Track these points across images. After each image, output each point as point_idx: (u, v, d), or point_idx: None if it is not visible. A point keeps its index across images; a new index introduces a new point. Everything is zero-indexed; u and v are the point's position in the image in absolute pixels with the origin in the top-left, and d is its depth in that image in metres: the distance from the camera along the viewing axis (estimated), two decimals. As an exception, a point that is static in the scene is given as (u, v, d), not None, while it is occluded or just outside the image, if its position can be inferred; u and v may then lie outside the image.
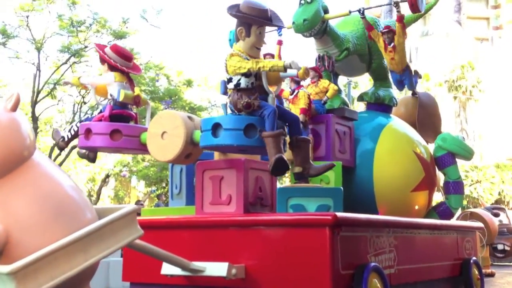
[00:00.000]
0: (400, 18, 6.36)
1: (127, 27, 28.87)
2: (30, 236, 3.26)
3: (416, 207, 6.60)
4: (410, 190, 6.44)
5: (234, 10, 4.49)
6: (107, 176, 28.98)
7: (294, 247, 4.35)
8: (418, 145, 6.74)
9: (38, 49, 26.80)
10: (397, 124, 6.87)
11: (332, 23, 6.85)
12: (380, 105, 7.05)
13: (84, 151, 5.43)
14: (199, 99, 27.55)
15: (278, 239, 4.50)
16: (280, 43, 6.72)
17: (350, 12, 6.34)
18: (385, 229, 5.01)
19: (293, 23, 6.27)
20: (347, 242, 4.41)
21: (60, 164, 27.00)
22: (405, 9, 6.41)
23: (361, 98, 7.18)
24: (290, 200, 4.79)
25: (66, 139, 5.45)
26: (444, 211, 6.88)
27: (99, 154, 5.28)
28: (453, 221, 6.90)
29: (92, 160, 5.42)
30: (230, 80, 4.52)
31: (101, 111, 5.26)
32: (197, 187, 5.08)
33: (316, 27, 6.24)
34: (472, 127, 45.60)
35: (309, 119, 6.04)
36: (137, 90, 5.23)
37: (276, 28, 6.69)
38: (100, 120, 5.11)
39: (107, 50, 5.24)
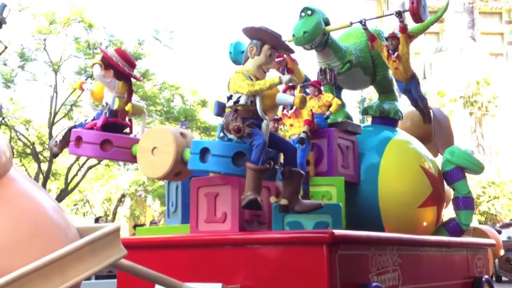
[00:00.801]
0: (403, 29, 6.11)
1: (142, 49, 29.06)
2: (3, 257, 3.06)
3: (424, 224, 6.28)
4: (417, 206, 6.14)
5: (251, 27, 4.45)
6: (123, 195, 28.94)
7: (290, 266, 4.11)
8: (425, 159, 6.45)
9: (55, 71, 27.03)
10: (403, 137, 6.59)
11: (335, 36, 6.64)
12: (385, 119, 6.78)
13: (53, 141, 5.23)
14: (213, 118, 27.52)
15: (274, 258, 4.26)
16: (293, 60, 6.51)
17: (351, 23, 6.12)
18: (389, 247, 4.73)
19: (293, 35, 6.07)
20: (346, 261, 4.14)
21: (77, 184, 27.08)
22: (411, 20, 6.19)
23: (365, 111, 6.93)
24: (287, 217, 4.57)
25: (57, 143, 5.24)
26: (453, 227, 6.56)
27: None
28: (463, 238, 6.55)
29: (54, 155, 5.26)
30: (230, 97, 4.38)
31: (94, 118, 5.07)
32: (191, 205, 4.88)
33: (317, 39, 6.02)
34: (489, 142, 44.89)
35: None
36: (128, 106, 5.03)
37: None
38: (92, 128, 4.92)
39: (113, 53, 5.01)
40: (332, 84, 6.34)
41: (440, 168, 6.69)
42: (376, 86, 6.91)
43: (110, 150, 4.84)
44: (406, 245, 4.99)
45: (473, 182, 37.49)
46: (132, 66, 5.06)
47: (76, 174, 26.08)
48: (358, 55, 6.46)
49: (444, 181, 6.70)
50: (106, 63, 4.91)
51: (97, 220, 17.78)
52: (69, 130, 5.09)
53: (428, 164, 6.43)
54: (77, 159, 22.53)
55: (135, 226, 13.86)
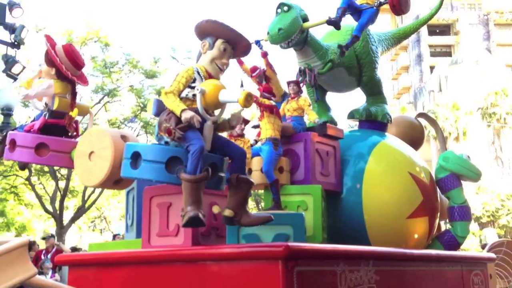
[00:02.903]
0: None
1: (158, 67, 28.80)
2: None
3: (416, 236, 5.59)
4: (406, 217, 5.47)
5: (202, 22, 3.99)
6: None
7: (243, 285, 3.48)
8: (415, 166, 5.77)
9: (73, 90, 26.63)
10: (390, 142, 5.94)
11: (319, 35, 6.04)
12: (372, 123, 6.14)
13: None
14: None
15: (226, 275, 3.64)
16: (264, 55, 5.91)
17: (329, 18, 5.48)
18: (363, 262, 4.05)
19: (268, 33, 5.47)
20: (306, 279, 3.49)
21: (94, 202, 26.73)
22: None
23: (351, 115, 6.27)
24: (242, 230, 3.93)
25: None
26: (449, 240, 5.85)
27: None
28: (457, 252, 5.83)
29: (21, 167, 4.70)
30: None
31: (34, 119, 4.53)
32: (143, 217, 4.31)
33: (294, 36, 5.42)
34: (508, 155, 43.44)
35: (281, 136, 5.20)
36: (75, 112, 4.48)
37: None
38: (30, 131, 4.37)
39: (59, 49, 4.44)
40: (312, 85, 5.72)
41: (433, 176, 5.99)
42: (362, 88, 6.26)
43: (46, 154, 4.30)
44: (385, 260, 4.30)
45: (492, 196, 36.24)
46: (78, 67, 4.51)
47: (93, 191, 25.74)
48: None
49: (438, 189, 6.01)
50: (49, 59, 4.37)
51: (114, 237, 17.26)
52: (7, 133, 4.53)
53: (419, 171, 5.76)
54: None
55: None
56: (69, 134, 4.52)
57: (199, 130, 3.70)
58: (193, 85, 3.80)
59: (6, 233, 34.22)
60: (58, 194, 25.16)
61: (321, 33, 6.34)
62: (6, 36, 11.79)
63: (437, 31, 51.38)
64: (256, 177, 5.20)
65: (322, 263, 3.73)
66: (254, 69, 5.54)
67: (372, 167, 5.55)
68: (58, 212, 24.51)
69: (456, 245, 5.85)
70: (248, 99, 3.64)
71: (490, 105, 42.68)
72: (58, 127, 4.45)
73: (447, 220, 6.15)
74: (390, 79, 55.94)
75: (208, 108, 3.78)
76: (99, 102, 26.49)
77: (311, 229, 4.97)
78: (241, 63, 6.03)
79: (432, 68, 49.95)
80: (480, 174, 6.03)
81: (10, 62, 11.57)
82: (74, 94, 4.51)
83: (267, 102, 5.18)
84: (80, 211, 25.76)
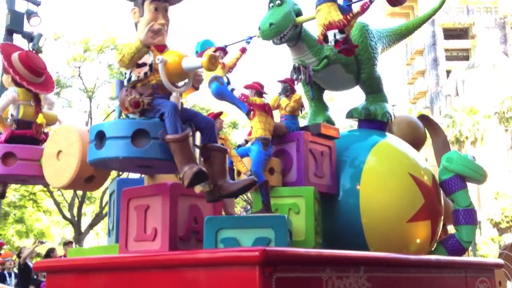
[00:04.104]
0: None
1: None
2: None
3: (418, 241, 5.23)
4: (406, 221, 5.12)
5: None
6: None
7: (218, 293, 3.17)
8: (416, 167, 5.42)
9: (90, 98, 26.92)
10: (390, 142, 5.59)
11: (315, 30, 5.74)
12: (372, 122, 5.80)
13: None
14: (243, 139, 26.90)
15: (201, 282, 3.34)
16: (243, 50, 5.64)
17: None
18: (352, 268, 3.71)
19: (259, 28, 5.19)
20: (287, 286, 3.18)
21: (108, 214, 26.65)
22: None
23: (350, 114, 5.93)
24: (221, 233, 3.63)
25: None
26: (453, 245, 5.47)
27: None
28: (460, 257, 5.44)
29: (1, 194, 4.46)
30: (125, 76, 3.59)
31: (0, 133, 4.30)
32: (121, 221, 4.02)
33: (286, 31, 5.14)
34: (527, 159, 42.51)
35: (275, 135, 4.91)
36: (40, 118, 4.24)
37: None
38: None
39: (14, 58, 4.25)
40: (307, 83, 5.41)
41: (436, 177, 5.63)
42: (361, 86, 5.93)
43: (13, 164, 4.04)
44: (378, 265, 3.96)
45: (511, 201, 35.40)
46: (37, 74, 4.29)
47: (108, 203, 25.65)
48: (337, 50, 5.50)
49: (442, 192, 5.64)
50: (4, 68, 4.21)
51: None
52: None
53: (420, 172, 5.40)
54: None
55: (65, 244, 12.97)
56: (39, 144, 4.27)
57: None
58: (140, 62, 3.50)
59: (25, 240, 34.38)
60: (76, 200, 25.16)
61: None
62: (24, 44, 11.84)
63: (454, 35, 50.62)
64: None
65: (306, 269, 3.40)
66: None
67: (371, 168, 5.22)
68: (76, 218, 24.53)
69: (461, 250, 5.47)
70: (212, 61, 3.39)
71: (507, 109, 41.80)
72: (26, 137, 4.23)
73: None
74: (405, 84, 55.24)
75: (173, 79, 3.51)
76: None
77: (303, 233, 4.67)
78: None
79: (448, 72, 49.21)
80: (485, 175, 5.64)
81: (29, 70, 11.54)
82: (37, 100, 4.31)
83: (258, 100, 4.89)
84: (98, 217, 25.70)
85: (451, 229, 6.18)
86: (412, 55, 51.98)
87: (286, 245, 3.55)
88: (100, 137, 3.38)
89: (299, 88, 5.61)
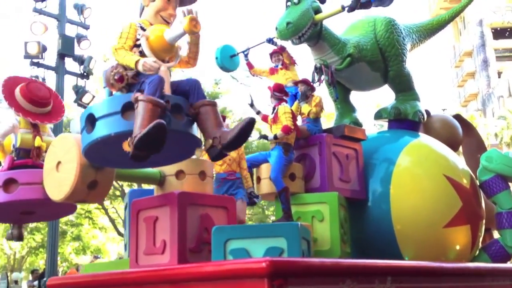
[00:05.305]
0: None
1: (219, 88, 28.90)
2: None
3: (457, 247, 4.80)
4: (442, 226, 4.71)
5: None
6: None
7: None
8: (451, 168, 5.00)
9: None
10: (422, 142, 5.19)
11: (340, 29, 5.44)
12: (402, 122, 5.41)
13: (9, 231, 4.50)
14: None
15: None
16: (282, 49, 5.38)
17: (343, 8, 4.86)
18: (377, 279, 3.36)
19: (276, 28, 4.93)
20: (302, 301, 2.86)
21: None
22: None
23: (379, 114, 5.56)
24: (230, 243, 3.35)
25: None
26: (497, 252, 5.01)
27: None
28: (504, 264, 4.96)
29: (17, 237, 4.36)
30: None
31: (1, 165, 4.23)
32: (131, 233, 3.82)
33: (305, 30, 4.86)
34: None
35: (296, 138, 4.62)
36: (37, 141, 4.11)
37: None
38: None
39: (17, 93, 4.25)
40: (330, 83, 5.08)
41: (475, 178, 5.18)
42: (390, 84, 5.55)
43: (15, 190, 3.93)
44: (408, 275, 3.58)
45: None
46: (40, 104, 4.31)
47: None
48: (361, 48, 5.18)
49: (483, 193, 5.18)
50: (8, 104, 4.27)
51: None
52: None
53: (457, 173, 4.97)
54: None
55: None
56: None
57: None
58: (138, 43, 3.34)
59: (82, 256, 35.05)
60: (131, 217, 25.47)
61: (343, 27, 5.72)
62: (75, 67, 12.28)
63: (503, 34, 48.74)
64: (265, 186, 4.65)
65: (322, 280, 3.07)
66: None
67: (402, 170, 4.85)
68: (131, 234, 24.84)
69: (505, 257, 5.00)
70: (193, 23, 3.23)
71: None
72: (27, 167, 4.15)
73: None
74: (455, 87, 53.53)
75: (159, 54, 3.33)
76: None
77: (328, 242, 4.35)
78: (250, 66, 5.58)
79: (500, 73, 47.29)
80: (529, 174, 5.14)
81: (80, 92, 11.96)
82: (36, 126, 4.28)
83: (288, 115, 4.55)
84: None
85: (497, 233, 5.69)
86: (461, 57, 50.36)
87: (299, 255, 3.23)
88: (91, 121, 3.18)
89: (322, 89, 5.30)
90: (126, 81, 3.23)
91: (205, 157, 3.99)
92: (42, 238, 30.74)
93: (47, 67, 11.55)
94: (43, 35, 11.07)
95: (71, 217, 30.57)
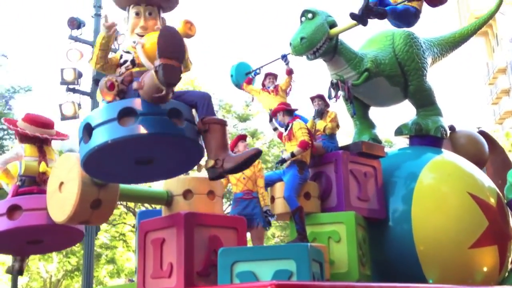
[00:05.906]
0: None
1: (250, 110, 28.93)
2: None
3: (485, 269, 4.51)
4: (467, 247, 4.46)
5: None
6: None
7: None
8: (476, 185, 4.75)
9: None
10: (445, 158, 4.96)
11: (356, 44, 5.29)
12: (424, 138, 5.19)
13: (9, 265, 4.47)
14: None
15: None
16: (289, 72, 5.25)
17: (351, 15, 4.68)
18: (394, 304, 3.15)
19: (290, 44, 4.80)
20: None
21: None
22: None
23: (399, 131, 5.36)
24: (237, 266, 3.18)
25: None
26: (528, 273, 4.69)
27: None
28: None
29: (18, 271, 4.29)
30: None
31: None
32: (138, 255, 3.70)
33: (320, 45, 4.73)
34: None
35: (312, 156, 4.46)
36: (42, 166, 4.06)
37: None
38: None
39: (19, 122, 4.36)
40: (347, 99, 4.92)
41: (502, 196, 4.90)
42: (410, 99, 5.36)
43: (19, 216, 3.86)
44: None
45: None
46: (45, 125, 4.34)
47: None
48: (379, 62, 5.00)
49: (511, 212, 4.89)
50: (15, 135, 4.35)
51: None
52: None
53: (482, 191, 4.71)
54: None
55: None
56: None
57: None
58: (121, 61, 3.36)
59: (116, 279, 35.19)
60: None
61: (361, 42, 5.56)
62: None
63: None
64: (279, 205, 4.50)
65: (332, 306, 2.89)
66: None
67: (424, 187, 4.63)
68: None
69: (538, 279, 4.68)
70: (188, 25, 3.25)
71: None
72: (32, 194, 4.09)
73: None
74: (490, 104, 52.36)
75: (151, 58, 3.20)
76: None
77: (345, 264, 4.15)
78: (248, 82, 5.49)
79: (516, 77, 46.05)
80: (561, 191, 4.84)
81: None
82: (42, 152, 4.24)
83: (304, 131, 4.42)
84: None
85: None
86: (495, 74, 49.32)
87: (309, 278, 3.05)
88: (88, 131, 3.07)
89: (339, 105, 5.13)
90: (117, 87, 3.17)
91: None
92: (77, 261, 30.99)
93: (83, 93, 11.73)
94: (79, 62, 11.25)
95: (105, 240, 30.77)
